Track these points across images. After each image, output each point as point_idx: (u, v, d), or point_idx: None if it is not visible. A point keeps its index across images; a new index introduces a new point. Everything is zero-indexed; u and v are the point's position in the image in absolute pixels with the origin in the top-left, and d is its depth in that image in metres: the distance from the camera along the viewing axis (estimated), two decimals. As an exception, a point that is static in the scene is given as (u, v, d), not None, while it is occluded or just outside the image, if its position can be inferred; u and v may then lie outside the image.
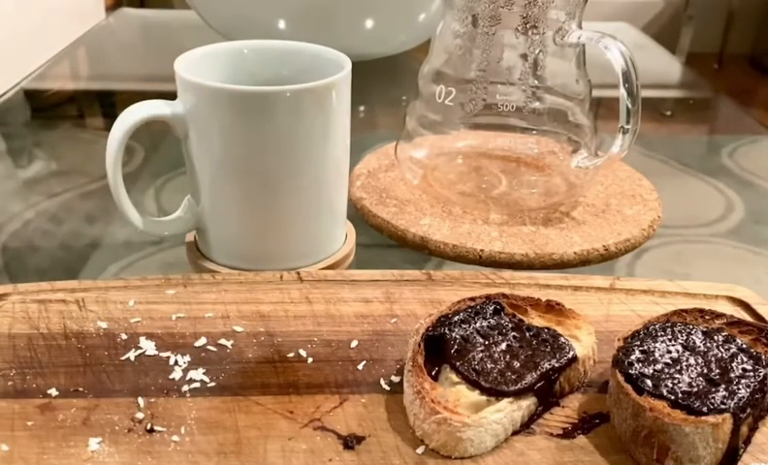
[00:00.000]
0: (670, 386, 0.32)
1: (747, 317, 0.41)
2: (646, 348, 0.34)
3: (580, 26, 0.51)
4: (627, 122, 0.47)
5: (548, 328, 0.37)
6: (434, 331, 0.36)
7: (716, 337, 0.35)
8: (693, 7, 2.81)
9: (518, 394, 0.33)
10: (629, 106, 0.47)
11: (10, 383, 0.35)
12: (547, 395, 0.34)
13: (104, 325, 0.39)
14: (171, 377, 0.35)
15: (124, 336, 0.38)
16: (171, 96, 0.43)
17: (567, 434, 0.33)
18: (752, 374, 0.33)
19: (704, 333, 0.35)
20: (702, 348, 0.34)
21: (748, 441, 0.32)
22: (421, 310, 0.41)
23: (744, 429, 0.32)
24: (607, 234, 0.51)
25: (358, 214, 0.54)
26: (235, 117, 0.41)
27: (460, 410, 0.32)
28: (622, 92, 0.47)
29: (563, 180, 0.55)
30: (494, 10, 0.50)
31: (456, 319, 0.36)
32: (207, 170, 0.44)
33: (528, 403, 0.33)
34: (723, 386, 0.32)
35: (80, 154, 0.71)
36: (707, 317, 0.37)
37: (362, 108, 0.80)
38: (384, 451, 0.32)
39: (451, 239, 0.50)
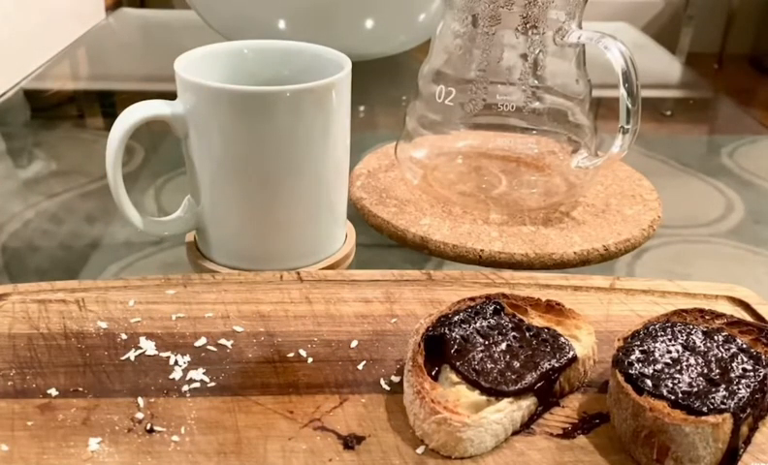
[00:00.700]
0: (670, 386, 0.32)
1: (747, 317, 0.41)
2: (646, 348, 0.34)
3: (580, 26, 0.51)
4: (627, 122, 0.47)
5: (548, 328, 0.37)
6: (434, 331, 0.36)
7: (716, 337, 0.35)
8: (693, 7, 2.81)
9: (518, 394, 0.33)
10: (629, 106, 0.47)
11: (10, 383, 0.35)
12: (547, 395, 0.34)
13: (104, 325, 0.39)
14: (171, 377, 0.35)
15: (124, 336, 0.38)
16: (171, 96, 0.43)
17: (567, 434, 0.33)
18: (752, 374, 0.33)
19: (704, 333, 0.35)
20: (702, 348, 0.34)
21: (748, 441, 0.32)
22: (421, 310, 0.41)
23: (744, 429, 0.32)
24: (607, 234, 0.51)
25: (358, 214, 0.54)
26: (235, 117, 0.41)
27: (460, 410, 0.32)
28: (622, 92, 0.47)
29: (563, 180, 0.55)
30: (494, 10, 0.50)
31: (456, 319, 0.36)
32: (206, 170, 0.44)
33: (527, 403, 0.33)
34: (723, 386, 0.32)
35: (79, 154, 0.71)
36: (707, 317, 0.37)
37: (362, 108, 0.80)
38: (384, 451, 0.32)
39: (451, 239, 0.50)
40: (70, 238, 0.55)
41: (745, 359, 0.33)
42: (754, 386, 0.32)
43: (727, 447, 0.30)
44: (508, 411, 0.32)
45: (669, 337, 0.35)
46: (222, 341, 0.38)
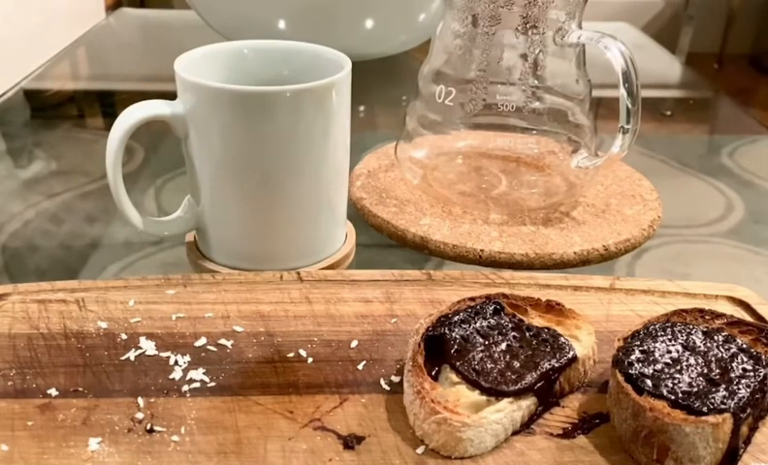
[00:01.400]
0: (670, 386, 0.32)
1: (747, 317, 0.41)
2: (646, 348, 0.34)
3: (580, 26, 0.51)
4: (627, 122, 0.47)
5: (548, 328, 0.37)
6: (434, 331, 0.36)
7: (716, 337, 0.35)
8: (693, 7, 2.81)
9: (518, 394, 0.33)
10: (629, 106, 0.47)
11: (10, 383, 0.35)
12: (547, 395, 0.34)
13: (104, 325, 0.39)
14: (171, 377, 0.35)
15: (124, 336, 0.38)
16: (171, 96, 0.43)
17: (567, 434, 0.33)
18: (752, 374, 0.33)
19: (704, 333, 0.35)
20: (702, 348, 0.34)
21: (748, 441, 0.32)
22: (421, 310, 0.41)
23: (744, 429, 0.32)
24: (607, 234, 0.51)
25: (358, 214, 0.54)
26: (235, 117, 0.41)
27: (460, 410, 0.32)
28: (622, 92, 0.47)
29: (563, 180, 0.55)
30: (494, 10, 0.50)
31: (456, 319, 0.36)
32: (207, 170, 0.44)
33: (527, 403, 0.33)
34: (723, 386, 0.32)
35: (80, 154, 0.71)
36: (707, 317, 0.37)
37: (362, 108, 0.80)
38: (384, 451, 0.32)
39: (451, 239, 0.50)
40: (70, 238, 0.55)
41: (745, 359, 0.33)
42: (754, 386, 0.32)
43: (727, 447, 0.30)
44: (508, 411, 0.32)
45: (669, 337, 0.35)
46: (222, 341, 0.38)
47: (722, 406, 0.30)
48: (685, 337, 0.35)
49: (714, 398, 0.31)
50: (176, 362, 0.36)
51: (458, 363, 0.34)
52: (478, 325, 0.36)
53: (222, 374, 0.36)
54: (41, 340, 0.37)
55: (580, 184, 0.54)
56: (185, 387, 0.35)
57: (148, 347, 0.37)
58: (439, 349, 0.35)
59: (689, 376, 0.32)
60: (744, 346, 0.34)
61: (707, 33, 3.00)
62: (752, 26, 3.13)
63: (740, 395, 0.31)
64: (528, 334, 0.36)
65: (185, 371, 0.36)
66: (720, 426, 0.30)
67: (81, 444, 0.31)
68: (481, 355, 0.34)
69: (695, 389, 0.31)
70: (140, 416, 0.33)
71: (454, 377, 0.34)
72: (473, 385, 0.33)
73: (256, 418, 0.33)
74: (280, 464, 0.31)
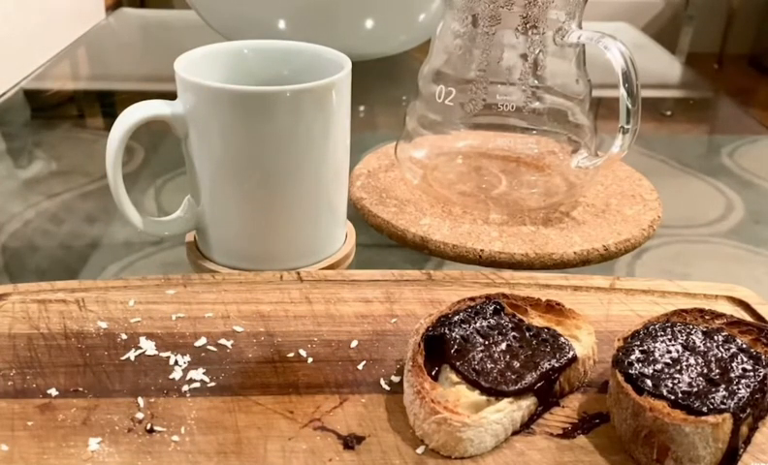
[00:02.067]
0: (670, 385, 0.32)
1: (747, 317, 0.41)
2: (646, 348, 0.34)
3: (580, 26, 0.51)
4: (627, 122, 0.47)
5: (548, 328, 0.37)
6: (434, 331, 0.36)
7: (716, 337, 0.35)
8: (693, 7, 2.81)
9: (518, 394, 0.33)
10: (629, 106, 0.47)
11: (10, 383, 0.35)
12: (547, 395, 0.34)
13: (104, 325, 0.39)
14: (171, 377, 0.35)
15: (124, 336, 0.38)
16: (171, 96, 0.43)
17: (567, 434, 0.33)
18: (752, 374, 0.33)
19: (704, 333, 0.35)
20: (702, 348, 0.34)
21: (748, 441, 0.32)
22: (421, 310, 0.41)
23: (744, 429, 0.32)
24: (607, 234, 0.51)
25: (358, 214, 0.54)
26: (235, 117, 0.41)
27: (460, 410, 0.32)
28: (622, 92, 0.47)
29: (563, 180, 0.55)
30: (494, 10, 0.50)
31: (456, 319, 0.36)
32: (206, 170, 0.44)
33: (528, 403, 0.33)
34: (723, 386, 0.32)
35: (80, 154, 0.71)
36: (707, 317, 0.37)
37: (362, 108, 0.80)
38: (384, 451, 0.32)
39: (451, 239, 0.50)
40: (70, 238, 0.55)
41: (745, 359, 0.33)
42: (754, 386, 0.32)
43: (727, 447, 0.30)
44: (508, 411, 0.32)
45: (669, 337, 0.35)
46: (222, 341, 0.38)
47: (722, 406, 0.31)
48: (685, 337, 0.35)
49: (714, 398, 0.31)
50: (176, 362, 0.36)
51: (458, 363, 0.34)
52: (478, 325, 0.36)
53: (222, 374, 0.36)
54: (41, 340, 0.37)
55: (580, 184, 0.54)
56: (185, 387, 0.35)
57: (148, 347, 0.37)
58: (439, 349, 0.35)
59: (689, 376, 0.32)
60: (744, 346, 0.34)
61: (707, 33, 3.00)
62: (752, 26, 3.13)
63: (740, 395, 0.31)
64: (527, 334, 0.36)
65: (185, 371, 0.36)
66: (720, 426, 0.30)
67: (81, 444, 0.31)
68: (481, 355, 0.34)
69: (695, 389, 0.31)
70: (140, 416, 0.33)
71: (454, 377, 0.34)
72: (473, 385, 0.33)
73: (256, 418, 0.33)
74: (280, 464, 0.31)
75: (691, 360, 0.33)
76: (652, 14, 3.01)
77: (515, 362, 0.34)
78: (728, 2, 3.07)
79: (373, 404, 0.34)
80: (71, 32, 1.06)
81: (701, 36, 2.90)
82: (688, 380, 0.32)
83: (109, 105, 0.88)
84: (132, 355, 0.37)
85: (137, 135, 0.43)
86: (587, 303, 0.42)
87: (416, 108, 0.56)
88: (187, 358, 0.37)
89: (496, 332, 0.36)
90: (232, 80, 0.44)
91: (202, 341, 0.38)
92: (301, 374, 0.36)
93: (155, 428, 0.32)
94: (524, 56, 0.52)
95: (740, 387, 0.32)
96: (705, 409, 0.30)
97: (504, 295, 0.39)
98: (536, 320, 0.38)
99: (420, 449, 0.32)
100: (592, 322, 0.38)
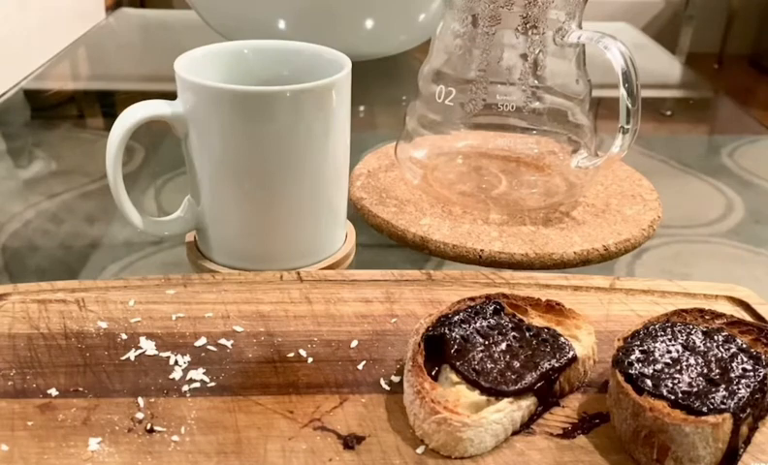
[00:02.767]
0: (670, 385, 0.32)
1: (747, 317, 0.41)
2: (646, 348, 0.34)
3: (580, 26, 0.51)
4: (627, 122, 0.47)
5: (548, 328, 0.37)
6: (434, 331, 0.36)
7: (716, 337, 0.35)
8: (693, 7, 2.81)
9: (518, 394, 0.33)
10: (629, 106, 0.47)
11: (10, 383, 0.35)
12: (547, 395, 0.34)
13: (104, 325, 0.39)
14: (171, 377, 0.35)
15: (124, 336, 0.38)
16: (171, 96, 0.43)
17: (567, 434, 0.33)
18: (752, 374, 0.33)
19: (704, 333, 0.35)
20: (702, 348, 0.34)
21: (748, 441, 0.32)
22: (421, 310, 0.41)
23: (744, 429, 0.32)
24: (607, 234, 0.51)
25: (358, 214, 0.54)
26: (235, 117, 0.41)
27: (460, 410, 0.32)
28: (622, 92, 0.47)
29: (563, 180, 0.55)
30: (494, 10, 0.50)
31: (456, 319, 0.36)
32: (206, 170, 0.44)
33: (528, 403, 0.33)
34: (723, 386, 0.32)
35: (79, 154, 0.71)
36: (707, 317, 0.37)
37: (362, 108, 0.80)
38: (384, 451, 0.32)
39: (451, 239, 0.50)
40: (70, 238, 0.55)
41: (745, 359, 0.33)
42: (754, 386, 0.32)
43: (727, 447, 0.30)
44: (508, 411, 0.32)
45: (669, 337, 0.35)
46: (222, 341, 0.38)
47: (722, 406, 0.31)
48: (685, 337, 0.35)
49: (714, 398, 0.31)
50: (177, 362, 0.36)
51: (458, 363, 0.34)
52: (478, 325, 0.36)
53: (222, 374, 0.36)
54: (41, 340, 0.37)
55: (580, 184, 0.54)
56: (185, 387, 0.35)
57: (148, 347, 0.37)
58: (439, 349, 0.35)
59: (689, 376, 0.32)
60: (744, 346, 0.34)
61: (707, 33, 3.00)
62: (752, 26, 3.13)
63: (740, 395, 0.31)
64: (527, 334, 0.36)
65: (185, 371, 0.36)
66: (720, 426, 0.30)
67: (81, 444, 0.31)
68: (481, 355, 0.34)
69: (695, 389, 0.31)
70: (140, 416, 0.33)
71: (454, 377, 0.34)
72: (473, 385, 0.33)
73: (256, 418, 0.33)
74: (280, 464, 0.31)
75: (691, 360, 0.33)
76: (652, 14, 3.01)
77: (515, 362, 0.34)
78: (728, 2, 3.08)
79: (373, 404, 0.34)
80: (71, 32, 1.06)
81: (701, 36, 2.90)
82: (688, 380, 0.32)
83: (109, 105, 0.88)
84: (132, 355, 0.37)
85: (137, 135, 0.43)
86: (587, 303, 0.42)
87: (416, 108, 0.56)
88: (187, 358, 0.37)
89: (495, 332, 0.36)
90: (232, 80, 0.44)
91: (202, 341, 0.38)
92: (301, 374, 0.36)
93: (155, 428, 0.32)
94: (524, 56, 0.52)
95: (740, 387, 0.32)
96: (705, 409, 0.30)
97: (504, 295, 0.39)
98: (536, 320, 0.38)
99: (420, 449, 0.32)
100: (592, 322, 0.38)
